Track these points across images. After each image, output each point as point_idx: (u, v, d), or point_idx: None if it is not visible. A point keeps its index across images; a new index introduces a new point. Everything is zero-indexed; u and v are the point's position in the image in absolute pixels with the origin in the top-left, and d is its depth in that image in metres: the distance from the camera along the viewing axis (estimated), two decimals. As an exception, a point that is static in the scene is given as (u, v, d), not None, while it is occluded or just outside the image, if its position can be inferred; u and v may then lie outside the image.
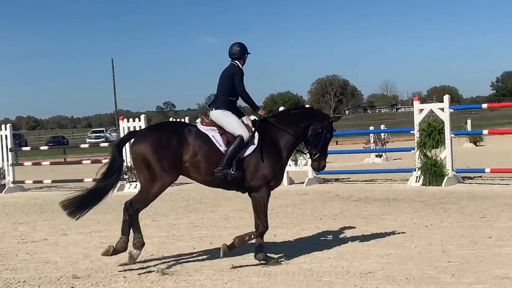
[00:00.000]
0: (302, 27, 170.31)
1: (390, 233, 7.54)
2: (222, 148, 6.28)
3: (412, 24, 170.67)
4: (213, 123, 6.45)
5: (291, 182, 14.68)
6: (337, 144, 38.90)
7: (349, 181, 14.57)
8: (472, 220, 8.22)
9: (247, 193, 6.41)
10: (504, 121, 48.17)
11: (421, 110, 12.93)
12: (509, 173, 13.21)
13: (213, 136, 6.33)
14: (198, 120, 6.72)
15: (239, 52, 6.64)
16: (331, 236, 7.60)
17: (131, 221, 6.14)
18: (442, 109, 12.62)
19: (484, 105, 14.21)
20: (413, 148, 12.95)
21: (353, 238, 7.33)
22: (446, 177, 12.21)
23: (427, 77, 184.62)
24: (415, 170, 12.75)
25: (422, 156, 12.66)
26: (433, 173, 12.27)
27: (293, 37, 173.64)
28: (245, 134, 6.30)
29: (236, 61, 6.63)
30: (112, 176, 6.29)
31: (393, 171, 15.02)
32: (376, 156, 21.21)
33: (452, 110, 12.71)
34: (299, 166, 14.54)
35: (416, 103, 13.06)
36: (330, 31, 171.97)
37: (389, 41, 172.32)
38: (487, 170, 12.37)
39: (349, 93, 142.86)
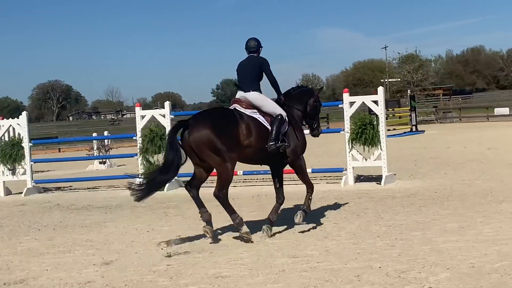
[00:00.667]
0: (19, 30, 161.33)
1: (112, 240, 7.51)
2: (268, 126, 7.29)
3: (137, 30, 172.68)
4: (251, 106, 7.36)
5: (8, 192, 13.88)
6: (59, 151, 37.70)
7: (71, 189, 14.21)
8: (190, 222, 8.58)
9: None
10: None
11: (143, 116, 13.14)
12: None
13: (258, 117, 7.31)
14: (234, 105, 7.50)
15: (256, 46, 7.75)
16: (50, 248, 7.31)
17: (224, 204, 7.01)
18: (164, 115, 12.97)
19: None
20: (137, 154, 13.07)
21: (73, 248, 7.14)
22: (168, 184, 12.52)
23: (153, 84, 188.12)
24: (138, 176, 12.85)
25: (145, 162, 12.84)
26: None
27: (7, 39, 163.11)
28: (283, 113, 7.43)
29: (255, 54, 7.71)
30: (172, 169, 6.92)
31: (117, 178, 15.01)
32: (100, 162, 21.02)
33: (173, 116, 13.12)
34: (17, 176, 13.80)
35: (138, 109, 13.22)
36: (47, 35, 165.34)
37: (113, 46, 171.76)
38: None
39: (73, 99, 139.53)
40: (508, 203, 8.52)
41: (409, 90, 43.99)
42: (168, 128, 12.77)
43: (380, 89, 11.93)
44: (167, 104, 13.09)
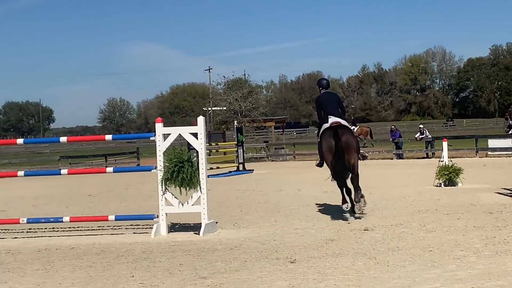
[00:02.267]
0: None
1: None
2: None
3: None
4: None
5: None
6: None
7: None
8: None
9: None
10: (3, 161, 49.03)
11: None
12: (5, 224, 13.39)
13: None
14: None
15: (329, 84, 13.93)
16: None
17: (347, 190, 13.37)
18: None
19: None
20: None
21: None
22: None
23: None
24: None
25: None
26: None
27: None
28: None
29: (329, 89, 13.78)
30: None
31: None
32: None
33: None
34: None
35: None
36: None
37: None
38: (-21, 222, 12.33)
39: None
40: (345, 256, 8.94)
41: (236, 121, 45.14)
42: None
43: (201, 119, 11.85)
44: None
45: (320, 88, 13.65)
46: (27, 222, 12.28)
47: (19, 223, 12.39)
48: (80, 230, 12.59)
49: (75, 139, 15.59)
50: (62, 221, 12.26)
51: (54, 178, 29.62)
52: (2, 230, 13.06)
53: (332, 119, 12.81)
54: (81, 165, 44.21)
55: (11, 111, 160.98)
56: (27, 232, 12.72)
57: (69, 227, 12.89)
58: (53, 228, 13.00)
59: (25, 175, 12.93)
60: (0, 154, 71.41)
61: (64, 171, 13.13)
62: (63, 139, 12.61)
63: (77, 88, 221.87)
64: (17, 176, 12.95)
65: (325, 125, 12.84)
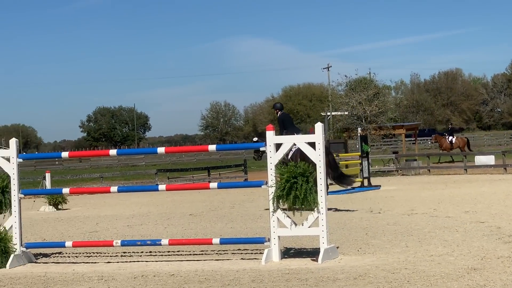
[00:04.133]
0: None
1: None
2: None
3: None
4: None
5: None
6: None
7: None
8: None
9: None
10: (95, 175, 50.63)
11: (-24, 159, 12.87)
12: (98, 247, 13.88)
13: None
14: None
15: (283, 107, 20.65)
16: None
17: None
18: (8, 159, 12.74)
19: (65, 154, 14.39)
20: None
21: None
22: (12, 255, 12.27)
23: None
24: (-33, 246, 12.54)
25: (-25, 229, 12.54)
26: (-7, 249, 12.24)
27: None
28: None
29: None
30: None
31: None
32: None
33: (21, 160, 12.90)
34: None
35: (-31, 149, 12.95)
36: None
37: None
38: (68, 243, 12.80)
39: None
40: (491, 288, 8.80)
41: (359, 129, 44.96)
42: (14, 177, 12.53)
43: (319, 126, 11.90)
44: (13, 142, 12.87)
45: (277, 110, 20.52)
46: (122, 245, 12.67)
47: (113, 246, 12.81)
48: (181, 254, 12.88)
49: (174, 150, 15.91)
50: (160, 244, 12.57)
51: (150, 195, 30.35)
52: (94, 253, 13.54)
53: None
54: (181, 179, 45.05)
55: (103, 118, 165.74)
56: (122, 256, 13.13)
57: (168, 251, 13.22)
58: (150, 252, 13.37)
59: (118, 191, 13.32)
60: (91, 168, 73.80)
61: (161, 186, 13.46)
62: (160, 150, 12.93)
63: (175, 92, 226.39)
64: (109, 192, 13.38)
65: None
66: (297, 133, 18.55)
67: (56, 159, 77.34)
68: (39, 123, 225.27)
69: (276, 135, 12.20)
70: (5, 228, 12.54)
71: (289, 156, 19.15)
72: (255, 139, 21.42)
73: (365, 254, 12.12)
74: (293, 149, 19.25)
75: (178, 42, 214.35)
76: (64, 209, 26.81)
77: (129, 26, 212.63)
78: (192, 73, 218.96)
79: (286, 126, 20.00)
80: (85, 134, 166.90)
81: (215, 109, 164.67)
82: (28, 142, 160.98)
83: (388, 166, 47.10)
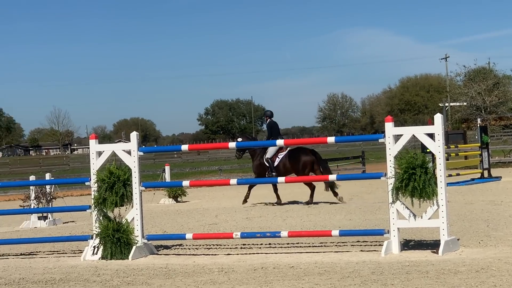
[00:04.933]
0: None
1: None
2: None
3: (93, 34, 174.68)
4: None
5: None
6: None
7: (-4, 256, 14.20)
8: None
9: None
10: (213, 167, 51.20)
11: (100, 153, 13.14)
12: (217, 239, 14.03)
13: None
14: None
15: (273, 115, 23.33)
16: None
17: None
18: (129, 152, 12.98)
19: (185, 147, 14.59)
20: (90, 207, 13.06)
21: None
22: (134, 247, 12.52)
23: (114, 107, 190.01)
24: (92, 237, 12.86)
25: (101, 218, 12.82)
26: (116, 241, 12.48)
27: None
28: None
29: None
30: None
31: (62, 240, 14.97)
32: (39, 218, 20.99)
33: (142, 153, 13.13)
34: None
35: (93, 143, 13.25)
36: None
37: (60, 55, 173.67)
38: (189, 236, 12.98)
39: (4, 127, 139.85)
40: None
41: (479, 119, 44.01)
42: (135, 170, 12.77)
43: (438, 117, 11.76)
44: (133, 135, 13.10)
45: (267, 118, 23.56)
46: (241, 237, 12.76)
47: (232, 238, 12.93)
48: (300, 246, 12.89)
49: (293, 142, 16.05)
50: (279, 236, 12.60)
51: (269, 187, 30.50)
52: (214, 245, 13.69)
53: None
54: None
55: (220, 110, 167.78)
56: (241, 248, 13.23)
57: (287, 243, 13.24)
58: (269, 244, 13.42)
59: (238, 184, 13.43)
60: (210, 160, 74.72)
61: (281, 179, 13.50)
62: (279, 142, 13.01)
63: (292, 84, 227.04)
64: (229, 184, 13.50)
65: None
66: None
67: (175, 152, 78.57)
68: (158, 116, 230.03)
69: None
70: (127, 220, 12.80)
71: (275, 164, 22.45)
72: (239, 139, 23.75)
73: (487, 246, 11.86)
74: (279, 156, 22.32)
75: (295, 34, 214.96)
76: (184, 202, 27.25)
77: (248, 20, 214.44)
78: (309, 65, 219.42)
79: (273, 133, 23.04)
80: (203, 127, 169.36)
81: (332, 101, 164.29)
82: (147, 136, 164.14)
83: (509, 157, 45.95)
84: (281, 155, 22.38)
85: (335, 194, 21.88)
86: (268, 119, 23.41)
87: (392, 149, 11.78)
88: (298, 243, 13.19)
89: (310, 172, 22.19)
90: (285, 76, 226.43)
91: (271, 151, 22.55)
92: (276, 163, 22.40)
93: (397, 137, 11.89)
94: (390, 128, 11.88)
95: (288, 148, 22.41)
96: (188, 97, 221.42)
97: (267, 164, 22.63)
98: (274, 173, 22.16)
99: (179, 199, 27.57)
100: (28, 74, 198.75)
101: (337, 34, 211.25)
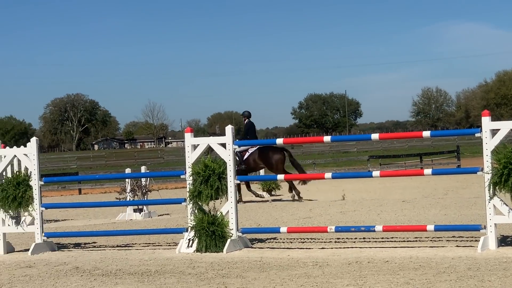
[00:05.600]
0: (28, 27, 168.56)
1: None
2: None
3: (186, 31, 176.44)
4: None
5: (9, 249, 14.24)
6: (80, 193, 38.56)
7: (95, 246, 14.48)
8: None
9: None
10: (307, 161, 51.19)
11: (195, 146, 13.27)
12: (312, 233, 14.04)
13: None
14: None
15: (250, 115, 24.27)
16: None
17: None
18: (224, 145, 13.08)
19: (280, 140, 14.64)
20: (185, 200, 13.22)
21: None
22: (228, 240, 12.61)
23: (208, 101, 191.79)
24: (187, 230, 13.01)
25: (196, 211, 12.96)
26: (211, 234, 12.60)
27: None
28: None
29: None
30: None
31: (157, 232, 15.20)
32: (135, 210, 21.33)
33: (236, 147, 13.21)
34: (22, 226, 14.15)
35: (188, 136, 13.38)
36: (66, 36, 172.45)
37: (155, 50, 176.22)
38: (283, 229, 13.01)
39: (100, 120, 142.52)
40: None
41: None
42: (230, 164, 12.86)
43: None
44: (229, 128, 13.19)
45: (245, 118, 24.68)
46: (335, 231, 12.73)
47: (327, 232, 12.91)
48: (394, 241, 12.79)
49: (388, 136, 15.90)
50: (374, 231, 12.52)
51: (362, 181, 30.35)
52: (308, 239, 13.70)
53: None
54: (393, 166, 44.77)
55: (314, 104, 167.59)
56: (335, 242, 13.20)
57: (382, 238, 13.15)
58: (363, 238, 13.36)
59: (332, 178, 13.41)
60: (303, 154, 74.73)
61: (375, 173, 13.40)
62: (374, 136, 12.88)
63: (387, 78, 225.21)
64: (324, 178, 13.49)
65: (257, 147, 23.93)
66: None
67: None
68: (251, 110, 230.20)
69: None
70: (221, 213, 12.89)
71: (244, 158, 23.89)
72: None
73: None
74: (250, 151, 23.83)
75: (389, 28, 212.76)
76: (277, 195, 27.29)
77: (343, 15, 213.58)
78: (403, 59, 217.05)
79: (249, 133, 24.40)
80: (297, 121, 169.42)
81: (427, 95, 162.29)
82: (241, 129, 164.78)
83: None
84: (251, 150, 23.90)
85: (293, 191, 23.63)
86: (246, 120, 24.83)
87: (489, 143, 11.59)
88: (392, 237, 13.09)
89: (283, 168, 23.66)
90: (379, 70, 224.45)
91: (241, 147, 23.53)
92: (245, 157, 23.86)
93: (493, 132, 11.69)
94: (487, 122, 11.68)
95: (258, 146, 24.12)
96: (282, 91, 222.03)
97: (237, 158, 23.43)
98: (243, 166, 23.57)
99: (273, 192, 27.64)
100: (124, 68, 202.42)
101: (433, 28, 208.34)
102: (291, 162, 24.24)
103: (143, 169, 23.27)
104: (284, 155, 23.87)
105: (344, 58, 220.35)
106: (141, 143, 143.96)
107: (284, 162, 23.60)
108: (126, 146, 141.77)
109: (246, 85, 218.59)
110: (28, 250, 13.80)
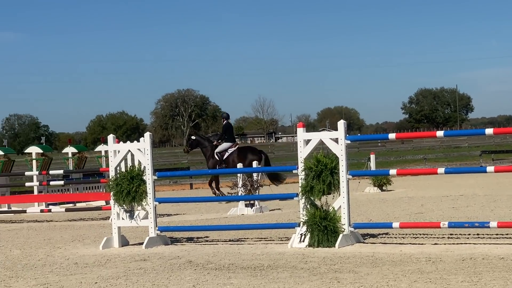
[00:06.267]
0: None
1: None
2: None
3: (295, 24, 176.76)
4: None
5: (124, 242, 14.53)
6: (191, 187, 39.13)
7: (207, 241, 14.66)
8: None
9: None
10: (418, 156, 50.58)
11: (307, 141, 13.29)
12: (424, 228, 13.89)
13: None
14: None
15: (229, 116, 25.84)
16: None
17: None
18: (336, 140, 13.05)
19: (392, 135, 14.49)
20: (297, 195, 13.26)
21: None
22: (341, 235, 12.59)
23: (319, 95, 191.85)
24: (299, 225, 13.05)
25: (308, 206, 12.98)
26: (323, 229, 12.60)
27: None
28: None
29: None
30: None
31: (269, 227, 15.29)
32: (246, 205, 21.49)
33: (349, 142, 13.17)
34: (136, 220, 14.43)
35: (300, 131, 13.41)
36: (175, 32, 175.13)
37: (263, 44, 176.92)
38: (395, 224, 12.92)
39: (210, 115, 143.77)
40: None
41: None
42: (342, 159, 12.83)
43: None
44: (341, 124, 13.15)
45: (224, 119, 26.09)
46: (449, 227, 12.55)
47: (439, 227, 12.74)
48: (510, 238, 12.53)
49: (502, 131, 15.50)
50: (488, 227, 12.29)
51: (474, 176, 29.87)
52: (420, 234, 13.57)
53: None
54: (506, 161, 43.80)
55: (424, 99, 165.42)
56: (448, 237, 13.04)
57: (496, 234, 12.91)
58: (477, 234, 13.14)
59: (445, 173, 13.22)
60: (414, 149, 73.86)
61: (490, 168, 13.13)
62: (488, 131, 12.63)
63: (499, 72, 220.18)
64: (436, 173, 13.33)
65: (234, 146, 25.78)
66: (233, 142, 26.31)
67: (379, 141, 78.24)
68: (361, 105, 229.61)
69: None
70: (333, 208, 12.88)
71: (224, 157, 25.41)
72: (193, 137, 27.55)
73: None
74: (229, 151, 25.21)
75: (501, 22, 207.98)
76: (388, 191, 27.10)
77: (454, 9, 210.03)
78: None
79: (226, 133, 25.96)
80: (407, 116, 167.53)
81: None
82: (351, 124, 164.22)
83: None
84: (230, 150, 25.60)
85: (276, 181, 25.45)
86: (224, 121, 26.33)
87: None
88: (507, 234, 12.84)
89: None
90: (491, 65, 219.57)
91: (221, 147, 25.77)
92: (225, 157, 25.51)
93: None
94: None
95: (238, 146, 26.25)
96: (392, 86, 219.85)
97: (217, 158, 25.73)
98: (224, 165, 25.28)
99: (384, 187, 27.46)
100: (234, 64, 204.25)
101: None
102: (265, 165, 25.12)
103: (254, 164, 23.44)
104: (260, 157, 25.07)
105: (455, 52, 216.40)
106: (251, 138, 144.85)
107: (259, 164, 24.03)
108: (237, 141, 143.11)
109: (356, 80, 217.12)
110: (142, 243, 14.06)
